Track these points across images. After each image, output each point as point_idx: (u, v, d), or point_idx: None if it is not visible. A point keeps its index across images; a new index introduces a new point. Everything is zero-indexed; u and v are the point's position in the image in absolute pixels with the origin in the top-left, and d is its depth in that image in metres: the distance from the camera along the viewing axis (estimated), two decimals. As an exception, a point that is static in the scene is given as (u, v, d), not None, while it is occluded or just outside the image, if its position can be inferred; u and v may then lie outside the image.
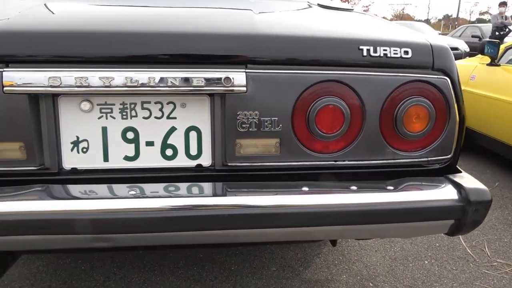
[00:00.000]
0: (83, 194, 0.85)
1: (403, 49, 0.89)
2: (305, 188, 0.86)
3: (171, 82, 0.83)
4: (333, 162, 0.92)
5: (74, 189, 0.86)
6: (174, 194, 0.86)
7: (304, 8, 1.27)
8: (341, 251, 1.64)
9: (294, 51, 0.87)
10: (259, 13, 1.07)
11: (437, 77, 0.90)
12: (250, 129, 0.87)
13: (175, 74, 0.84)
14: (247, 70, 0.85)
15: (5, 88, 0.80)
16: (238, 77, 0.84)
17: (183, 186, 0.89)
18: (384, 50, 0.88)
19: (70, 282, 1.40)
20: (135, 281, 1.42)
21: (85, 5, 1.07)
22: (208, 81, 0.84)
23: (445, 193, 0.87)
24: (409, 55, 0.89)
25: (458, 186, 0.89)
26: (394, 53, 0.89)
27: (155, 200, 0.83)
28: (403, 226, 0.89)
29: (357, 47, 0.88)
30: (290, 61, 0.87)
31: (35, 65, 0.81)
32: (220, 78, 0.84)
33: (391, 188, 0.88)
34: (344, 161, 0.92)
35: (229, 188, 0.88)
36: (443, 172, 0.97)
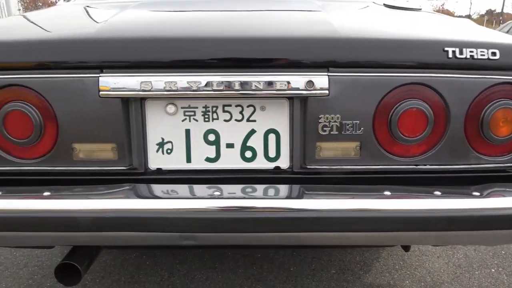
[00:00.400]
0: (169, 193, 0.88)
1: (490, 50, 0.86)
2: (387, 193, 0.85)
3: (255, 85, 0.85)
4: (414, 166, 0.90)
5: (159, 188, 0.90)
6: (254, 196, 0.88)
7: (372, 9, 1.26)
8: (401, 256, 1.60)
9: (376, 53, 0.86)
10: (331, 15, 1.07)
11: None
12: (331, 132, 0.87)
13: (257, 78, 0.85)
14: (329, 74, 0.85)
15: (101, 93, 0.85)
16: (321, 81, 0.85)
17: (261, 188, 0.90)
18: (471, 51, 0.85)
19: (138, 276, 1.46)
20: (198, 277, 1.46)
21: (167, 11, 1.11)
22: (290, 84, 0.85)
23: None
24: (497, 57, 0.86)
25: None
26: (481, 55, 0.86)
27: (235, 201, 0.86)
28: (488, 233, 0.86)
29: (442, 48, 0.86)
30: (372, 63, 0.86)
31: (127, 70, 0.86)
32: (303, 82, 0.84)
33: (477, 194, 0.85)
34: (425, 165, 0.90)
35: (306, 190, 0.89)
36: None
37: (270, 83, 0.85)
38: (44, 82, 0.86)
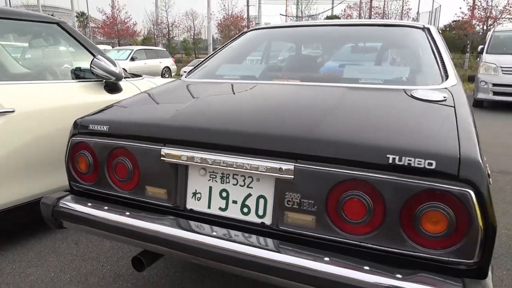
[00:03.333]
0: (192, 228, 1.35)
1: (427, 161, 1.05)
2: (326, 258, 1.12)
3: (253, 166, 1.24)
4: (359, 242, 1.14)
5: (189, 223, 1.38)
6: (242, 241, 1.26)
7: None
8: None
9: (341, 151, 1.15)
10: (322, 113, 1.36)
11: (459, 189, 1.01)
12: (293, 206, 1.20)
13: (253, 162, 1.24)
14: (295, 164, 1.18)
15: (161, 158, 1.39)
16: (288, 168, 1.19)
17: (249, 236, 1.28)
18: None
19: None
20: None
21: (217, 105, 1.61)
22: (271, 168, 1.21)
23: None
24: (433, 166, 1.04)
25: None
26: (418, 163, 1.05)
27: (225, 242, 1.24)
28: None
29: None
30: (332, 159, 1.15)
31: (179, 147, 1.37)
32: (277, 167, 1.20)
33: (399, 276, 1.04)
34: (367, 243, 1.13)
35: (280, 244, 1.23)
36: (472, 273, 1.05)
37: (260, 166, 1.23)
38: (134, 147, 1.45)
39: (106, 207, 1.49)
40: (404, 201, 1.07)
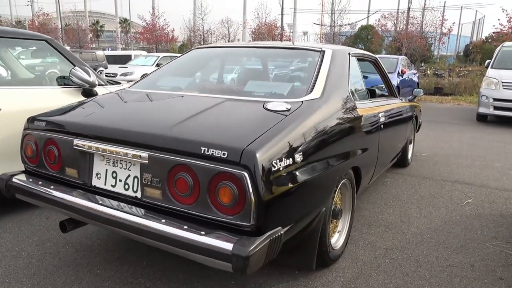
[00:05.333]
0: (92, 199, 1.84)
1: (222, 151, 1.48)
2: (163, 221, 1.57)
3: (124, 153, 1.72)
4: (186, 210, 1.58)
5: (92, 196, 1.87)
6: (118, 208, 1.74)
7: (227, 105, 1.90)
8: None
9: (173, 144, 1.61)
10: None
11: (239, 172, 1.44)
12: (147, 183, 1.66)
13: (125, 150, 1.72)
14: (149, 152, 1.65)
15: (74, 147, 1.89)
16: (145, 155, 1.66)
17: (124, 205, 1.75)
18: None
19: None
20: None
21: (115, 108, 2.10)
22: (135, 155, 1.69)
23: (218, 243, 1.41)
24: (225, 156, 1.47)
25: (233, 243, 1.40)
26: (217, 153, 1.49)
27: (107, 208, 1.73)
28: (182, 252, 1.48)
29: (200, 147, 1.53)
30: (166, 149, 1.61)
31: (85, 138, 1.88)
32: (139, 155, 1.67)
33: (203, 233, 1.48)
34: (190, 211, 1.57)
35: (143, 212, 1.69)
36: (252, 233, 1.47)
37: (129, 153, 1.71)
38: (58, 138, 1.96)
39: (40, 183, 2.02)
40: (209, 180, 1.51)
